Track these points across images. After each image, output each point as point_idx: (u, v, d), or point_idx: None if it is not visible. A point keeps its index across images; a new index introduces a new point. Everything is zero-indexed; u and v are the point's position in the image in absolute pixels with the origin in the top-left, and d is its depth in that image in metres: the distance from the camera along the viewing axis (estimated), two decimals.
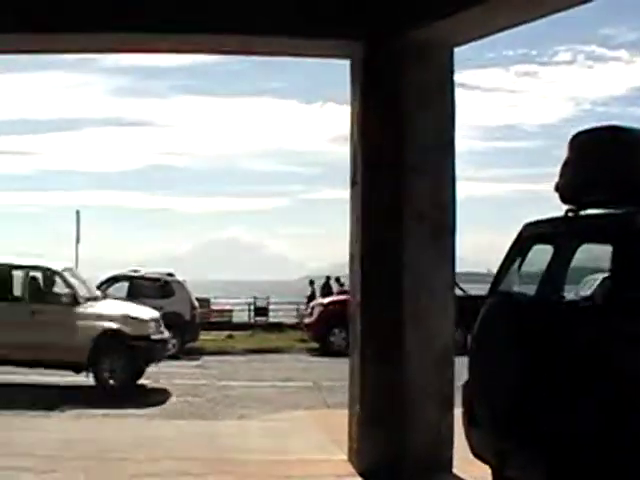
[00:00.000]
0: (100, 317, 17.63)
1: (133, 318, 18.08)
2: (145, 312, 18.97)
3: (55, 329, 17.09)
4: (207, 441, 10.92)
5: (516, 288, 6.93)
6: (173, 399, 16.38)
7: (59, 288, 18.40)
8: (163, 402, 16.01)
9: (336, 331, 26.62)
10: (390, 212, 8.94)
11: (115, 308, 18.81)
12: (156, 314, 19.12)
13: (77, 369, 17.30)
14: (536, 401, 5.67)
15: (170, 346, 25.46)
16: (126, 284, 26.82)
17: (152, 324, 18.37)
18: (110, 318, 17.68)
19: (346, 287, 38.17)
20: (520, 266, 7.04)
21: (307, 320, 28.37)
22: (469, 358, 6.93)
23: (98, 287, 26.37)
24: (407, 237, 8.92)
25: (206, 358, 25.25)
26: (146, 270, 28.01)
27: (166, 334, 19.23)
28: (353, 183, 9.44)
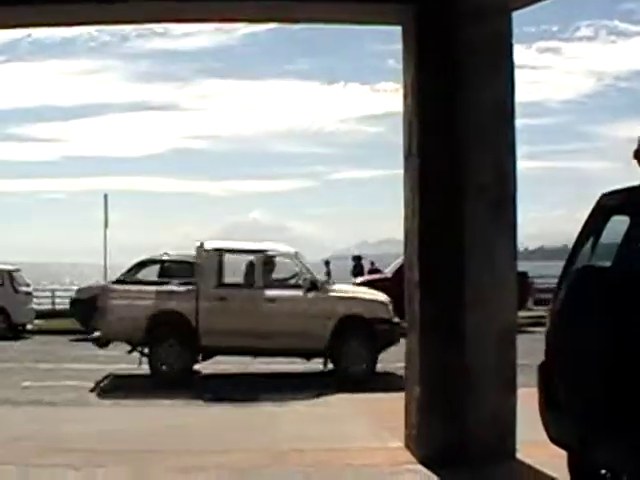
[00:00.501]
0: (341, 301, 17.07)
1: (374, 301, 17.58)
2: (381, 295, 18.21)
3: (294, 315, 16.63)
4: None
5: (598, 261, 6.41)
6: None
7: (293, 273, 17.85)
8: None
9: None
10: (449, 185, 8.44)
11: (353, 292, 18.31)
12: (387, 297, 18.14)
13: (313, 356, 16.87)
14: (635, 384, 5.16)
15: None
16: (156, 268, 26.36)
17: (390, 307, 17.52)
18: (351, 303, 17.15)
19: (377, 266, 37.86)
20: (598, 238, 6.53)
21: None
22: (549, 336, 6.42)
23: (127, 272, 26.07)
24: (467, 211, 8.42)
25: None
26: (177, 253, 27.54)
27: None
28: (408, 155, 8.93)
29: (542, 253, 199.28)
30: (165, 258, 26.55)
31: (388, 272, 27.82)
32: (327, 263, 36.84)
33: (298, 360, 17.18)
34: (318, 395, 14.09)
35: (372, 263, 37.90)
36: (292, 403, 13.41)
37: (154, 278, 26.25)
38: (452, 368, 8.51)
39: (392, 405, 9.98)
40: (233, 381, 16.47)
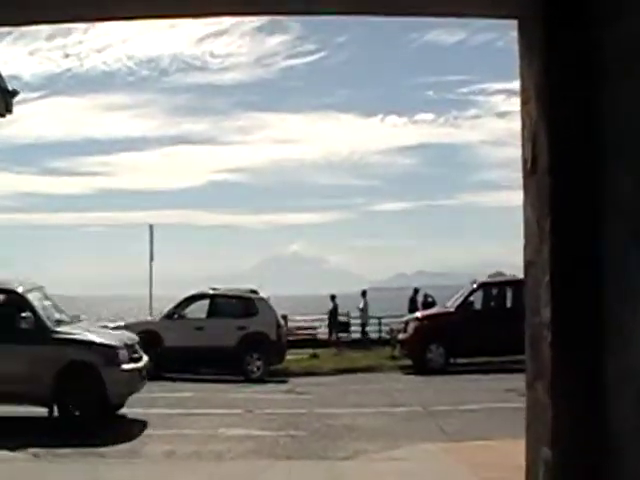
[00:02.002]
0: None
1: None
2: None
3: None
4: None
5: None
6: (272, 433, 14.49)
7: None
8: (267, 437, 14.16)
9: (433, 347, 24.71)
10: (586, 209, 6.88)
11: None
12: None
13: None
14: None
15: (255, 369, 23.78)
16: (206, 302, 25.15)
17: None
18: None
19: (430, 299, 36.36)
20: None
21: (401, 336, 26.39)
22: None
23: (177, 306, 24.83)
24: (609, 241, 6.85)
25: (294, 380, 23.41)
26: (227, 287, 26.31)
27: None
28: (531, 172, 7.39)
29: None
30: (213, 293, 25.31)
31: (450, 306, 26.30)
32: (333, 298, 35.08)
33: None
34: None
35: (426, 296, 36.41)
36: None
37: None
38: (591, 427, 6.92)
39: None
40: None
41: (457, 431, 14.12)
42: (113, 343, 15.67)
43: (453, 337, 24.56)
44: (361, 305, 34.65)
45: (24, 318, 15.62)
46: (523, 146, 7.54)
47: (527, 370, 7.81)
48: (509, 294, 26.35)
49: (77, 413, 14.96)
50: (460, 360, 25.67)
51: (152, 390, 20.36)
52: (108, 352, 15.36)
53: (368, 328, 37.76)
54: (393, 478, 10.22)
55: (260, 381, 23.10)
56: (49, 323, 15.57)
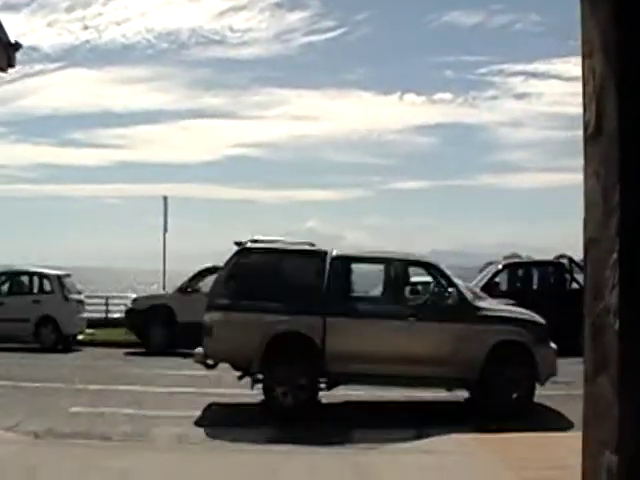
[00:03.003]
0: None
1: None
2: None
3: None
4: None
5: None
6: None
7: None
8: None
9: None
10: None
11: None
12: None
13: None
14: None
15: None
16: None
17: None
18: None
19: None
20: None
21: None
22: None
23: (190, 280, 23.97)
24: None
25: None
26: None
27: None
28: (594, 135, 6.40)
29: None
30: None
31: (475, 286, 25.32)
32: None
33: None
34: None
35: None
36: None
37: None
38: None
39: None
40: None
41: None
42: (541, 320, 14.81)
43: None
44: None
45: (448, 294, 14.52)
46: (584, 106, 6.53)
47: (586, 361, 6.88)
48: (535, 275, 25.45)
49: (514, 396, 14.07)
50: None
51: (163, 366, 19.63)
52: (539, 330, 14.52)
53: None
54: (427, 475, 9.30)
55: None
56: (471, 298, 14.66)
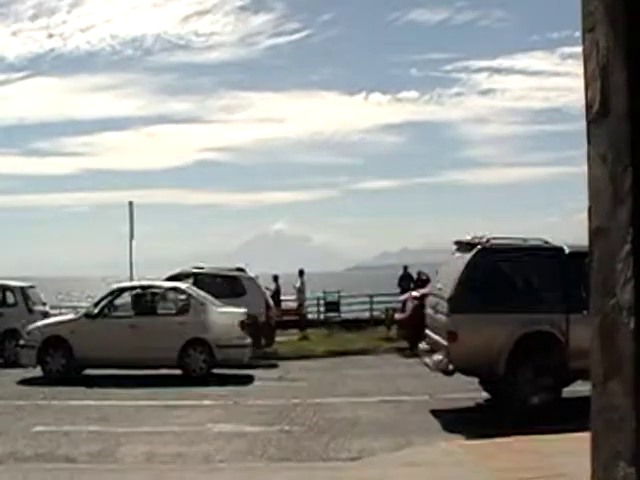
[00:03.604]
0: None
1: None
2: None
3: None
4: None
5: None
6: (264, 428, 12.89)
7: None
8: (254, 433, 12.56)
9: None
10: None
11: None
12: None
13: None
14: None
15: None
16: (190, 282, 23.48)
17: None
18: None
19: (424, 277, 34.74)
20: None
21: (398, 316, 24.79)
22: None
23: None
24: None
25: (285, 365, 21.85)
26: (211, 266, 24.62)
27: None
28: (598, 116, 5.71)
29: None
30: (197, 271, 23.69)
31: None
32: (276, 278, 32.61)
33: None
34: None
35: (419, 274, 34.77)
36: None
37: None
38: None
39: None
40: None
41: (471, 424, 12.61)
42: None
43: None
44: (298, 284, 32.59)
45: None
46: (586, 85, 5.85)
47: (593, 365, 6.24)
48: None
49: None
50: None
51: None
52: None
53: (358, 307, 36.41)
54: None
55: (248, 366, 21.50)
56: None
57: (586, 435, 5.07)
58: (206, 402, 15.41)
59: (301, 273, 32.97)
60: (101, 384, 17.85)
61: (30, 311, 23.41)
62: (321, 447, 11.47)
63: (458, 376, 18.34)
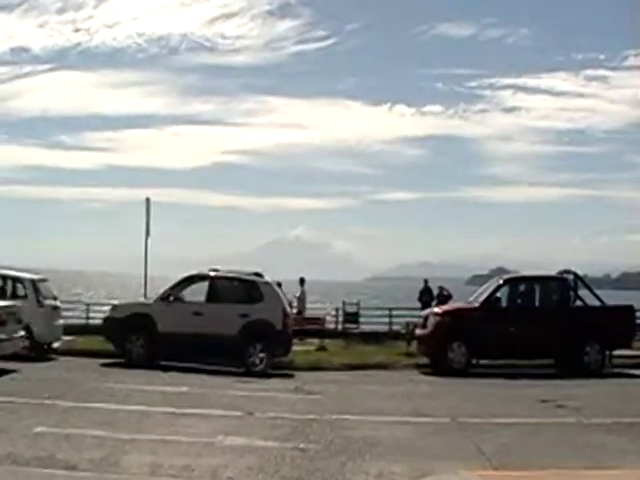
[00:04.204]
0: None
1: None
2: None
3: None
4: None
5: None
6: (278, 444, 12.15)
7: None
8: (267, 448, 11.82)
9: (455, 346, 22.38)
10: None
11: None
12: None
13: None
14: None
15: (257, 361, 21.51)
16: (205, 285, 22.78)
17: None
18: None
19: (445, 292, 33.97)
20: None
21: (419, 332, 23.98)
22: None
23: (173, 287, 22.55)
24: None
25: (300, 376, 21.11)
26: (228, 269, 23.86)
27: None
28: None
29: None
30: (213, 274, 22.97)
31: (474, 301, 23.93)
32: (302, 282, 32.28)
33: None
34: None
35: (441, 289, 34.05)
36: None
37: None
38: None
39: None
40: None
41: (496, 452, 11.81)
42: None
43: (476, 336, 22.29)
44: (298, 294, 31.99)
45: None
46: None
47: None
48: (537, 291, 24.02)
49: None
50: (482, 361, 23.53)
51: (141, 381, 18.23)
52: None
53: (377, 320, 35.66)
54: None
55: (263, 375, 20.81)
56: None
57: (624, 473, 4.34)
58: (218, 412, 14.69)
59: (302, 281, 32.37)
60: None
61: (40, 304, 22.78)
62: (337, 468, 10.72)
63: (478, 398, 17.72)
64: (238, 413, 14.55)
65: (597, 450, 12.21)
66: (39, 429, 12.26)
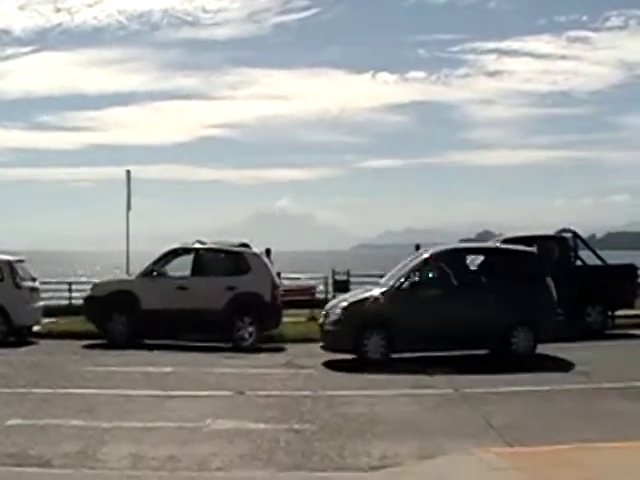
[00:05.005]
0: None
1: None
2: None
3: None
4: None
5: None
6: (270, 426, 11.24)
7: None
8: (260, 431, 10.90)
9: None
10: None
11: None
12: None
13: None
14: None
15: (246, 335, 20.62)
16: (190, 258, 21.76)
17: None
18: None
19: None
20: None
21: None
22: None
23: (156, 262, 21.56)
24: None
25: (291, 349, 20.21)
26: (214, 241, 22.84)
27: None
28: None
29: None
30: (199, 247, 21.98)
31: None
32: (268, 252, 31.28)
33: None
34: None
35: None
36: None
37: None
38: None
39: None
40: None
41: (507, 426, 10.96)
42: None
43: None
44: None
45: None
46: None
47: None
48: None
49: None
50: None
51: (124, 362, 17.31)
52: None
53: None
54: None
55: (252, 350, 19.88)
56: None
57: None
58: (205, 392, 13.78)
59: (268, 252, 31.37)
60: None
61: (17, 286, 21.73)
62: (336, 451, 9.84)
63: (478, 363, 16.83)
64: (227, 393, 13.65)
65: (613, 418, 11.46)
66: (12, 421, 11.37)
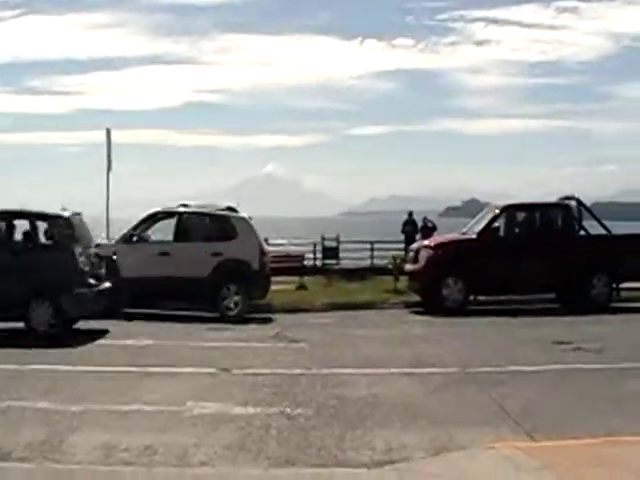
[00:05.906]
0: None
1: None
2: None
3: None
4: None
5: None
6: (260, 409, 10.05)
7: None
8: (248, 416, 9.71)
9: (450, 282, 20.31)
10: None
11: None
12: None
13: None
14: None
15: (232, 305, 19.44)
16: (173, 222, 20.52)
17: None
18: None
19: (430, 224, 32.07)
20: None
21: (410, 267, 21.80)
22: None
23: (137, 226, 20.31)
24: None
25: (281, 319, 19.05)
26: (198, 204, 21.58)
27: None
28: None
29: None
30: (182, 210, 20.73)
31: (469, 232, 21.78)
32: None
33: None
34: None
35: (425, 220, 32.26)
36: None
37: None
38: None
39: None
40: None
41: (523, 411, 9.79)
42: None
43: (474, 270, 20.20)
44: None
45: None
46: None
47: None
48: (538, 220, 21.84)
49: None
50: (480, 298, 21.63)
51: (101, 335, 16.11)
52: None
53: (357, 255, 33.79)
54: None
55: (239, 321, 18.70)
56: None
57: None
58: (187, 369, 12.59)
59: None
60: None
61: None
62: (334, 440, 8.67)
63: (483, 341, 15.71)
64: (211, 370, 12.45)
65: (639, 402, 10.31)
66: None
